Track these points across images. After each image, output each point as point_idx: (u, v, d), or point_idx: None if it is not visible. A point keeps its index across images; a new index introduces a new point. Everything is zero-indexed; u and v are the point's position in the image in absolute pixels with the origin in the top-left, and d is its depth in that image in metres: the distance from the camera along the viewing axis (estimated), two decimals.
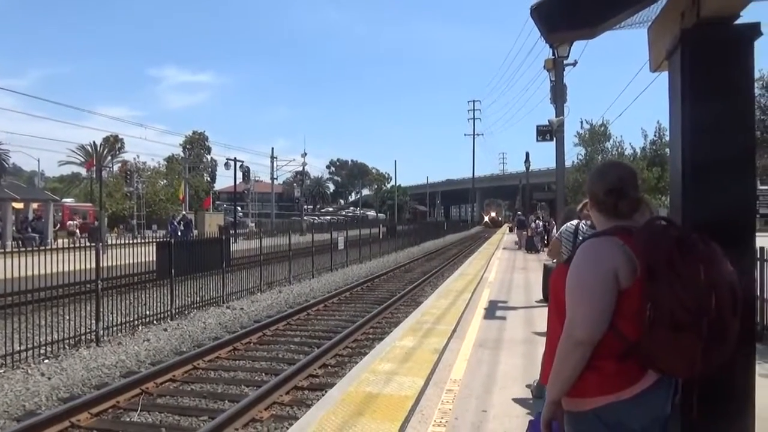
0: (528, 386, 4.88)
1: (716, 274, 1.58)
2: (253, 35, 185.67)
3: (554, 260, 5.82)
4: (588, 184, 1.95)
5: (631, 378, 1.70)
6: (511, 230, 43.28)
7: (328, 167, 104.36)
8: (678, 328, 1.58)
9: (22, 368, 7.51)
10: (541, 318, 8.00)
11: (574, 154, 30.68)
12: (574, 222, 5.02)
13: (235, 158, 39.95)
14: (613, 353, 1.70)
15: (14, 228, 26.24)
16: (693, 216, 2.04)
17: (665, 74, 2.36)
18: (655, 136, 28.29)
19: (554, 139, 14.79)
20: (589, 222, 5.04)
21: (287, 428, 4.79)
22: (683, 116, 2.08)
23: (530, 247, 22.60)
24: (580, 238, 4.68)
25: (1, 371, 7.32)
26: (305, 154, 53.74)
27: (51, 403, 6.43)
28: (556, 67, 14.28)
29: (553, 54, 14.02)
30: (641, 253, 1.67)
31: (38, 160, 66.12)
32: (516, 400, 4.60)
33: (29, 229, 25.89)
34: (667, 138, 25.66)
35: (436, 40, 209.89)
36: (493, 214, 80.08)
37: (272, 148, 45.28)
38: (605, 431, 1.70)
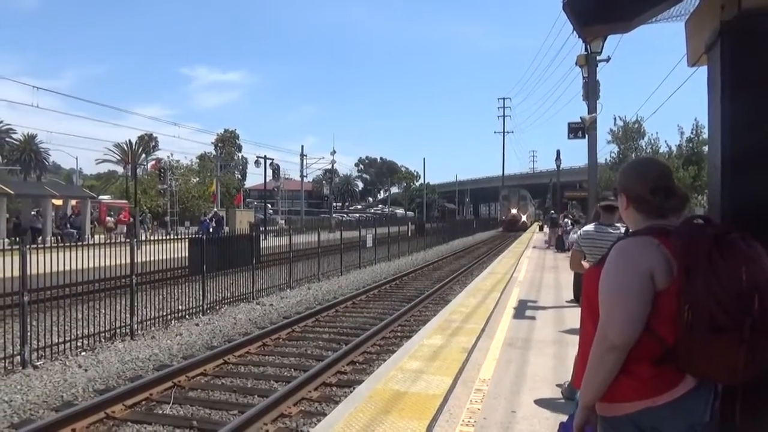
0: (558, 386, 4.81)
1: (759, 274, 1.52)
2: (281, 34, 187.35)
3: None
4: (624, 183, 1.86)
5: (668, 383, 1.64)
6: (541, 228, 42.72)
7: (357, 165, 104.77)
8: (718, 330, 1.51)
9: (61, 360, 7.75)
10: (571, 318, 7.87)
11: (606, 151, 30.12)
12: (589, 226, 4.91)
13: (265, 156, 40.44)
14: (649, 357, 1.64)
15: (54, 224, 27.10)
16: (732, 213, 1.96)
17: (703, 69, 2.29)
18: (692, 133, 27.46)
19: (586, 136, 14.51)
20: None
21: (315, 424, 4.82)
22: (723, 111, 2.00)
23: (560, 245, 22.28)
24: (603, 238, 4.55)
25: (41, 363, 7.56)
26: (334, 152, 54.12)
27: (87, 394, 6.61)
28: (589, 63, 13.98)
29: (586, 50, 13.74)
30: (678, 252, 1.61)
31: (76, 158, 68.46)
32: (545, 401, 4.53)
33: (68, 225, 26.69)
34: (705, 136, 24.95)
35: (466, 37, 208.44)
36: (514, 212, 56.85)
37: (302, 146, 45.94)
38: None
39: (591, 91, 13.78)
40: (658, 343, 1.63)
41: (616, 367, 1.65)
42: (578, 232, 5.04)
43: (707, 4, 2.26)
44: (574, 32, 2.60)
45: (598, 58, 14.04)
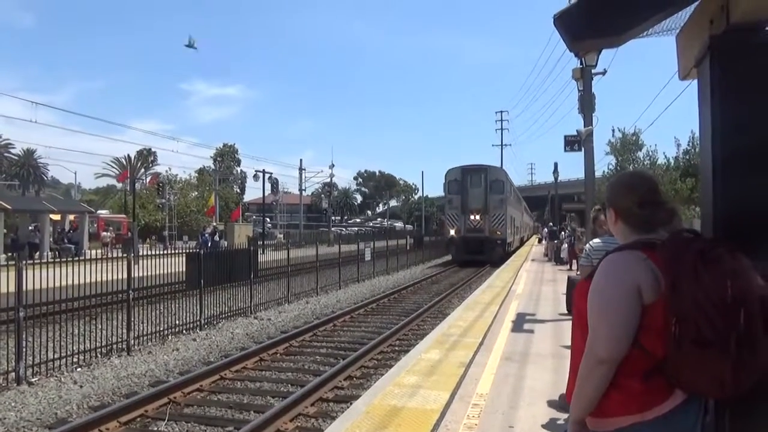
0: (557, 400, 4.76)
1: (744, 288, 1.51)
2: (280, 48, 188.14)
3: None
4: (613, 197, 1.87)
5: (657, 397, 1.63)
6: (540, 241, 42.62)
7: (355, 178, 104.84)
8: (704, 344, 1.51)
9: (56, 376, 7.69)
10: (569, 331, 7.82)
11: (604, 163, 30.21)
12: (597, 240, 4.92)
13: (263, 170, 40.55)
14: (638, 371, 1.63)
15: (52, 239, 27.06)
16: (724, 226, 1.97)
17: (696, 82, 2.30)
18: (688, 145, 27.57)
19: (583, 149, 14.57)
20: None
21: None
22: (713, 124, 2.02)
23: (559, 259, 22.24)
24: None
25: (36, 379, 7.50)
26: (333, 165, 54.26)
27: (82, 411, 6.55)
28: (584, 76, 14.08)
29: (581, 63, 13.85)
30: (665, 266, 1.61)
31: (75, 173, 68.30)
32: (543, 416, 4.50)
33: (66, 240, 26.64)
34: None
35: (463, 50, 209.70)
36: (475, 218, 29.37)
37: (300, 160, 46.00)
38: None
39: (586, 105, 13.87)
40: (647, 358, 1.62)
41: (605, 381, 1.64)
42: (586, 247, 5.07)
43: (696, 18, 2.28)
44: (566, 46, 2.62)
45: (593, 71, 14.13)
